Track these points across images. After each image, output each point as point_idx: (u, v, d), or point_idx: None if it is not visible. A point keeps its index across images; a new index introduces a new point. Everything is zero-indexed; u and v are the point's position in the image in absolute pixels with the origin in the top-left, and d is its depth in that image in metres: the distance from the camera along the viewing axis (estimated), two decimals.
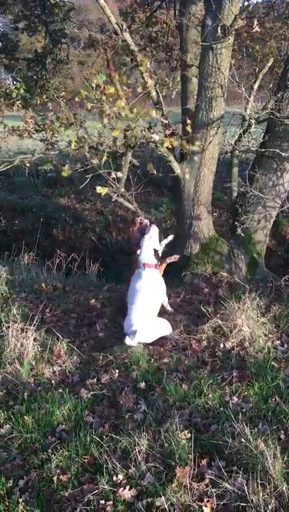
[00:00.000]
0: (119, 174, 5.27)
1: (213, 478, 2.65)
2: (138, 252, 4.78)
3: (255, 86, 6.02)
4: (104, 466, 2.81)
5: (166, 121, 5.64)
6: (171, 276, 6.10)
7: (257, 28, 4.81)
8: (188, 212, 6.14)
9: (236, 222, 6.20)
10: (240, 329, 4.24)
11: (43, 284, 6.00)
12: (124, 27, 5.40)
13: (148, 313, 4.38)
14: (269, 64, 6.00)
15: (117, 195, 5.29)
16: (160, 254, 5.00)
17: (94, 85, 5.16)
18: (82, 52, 18.98)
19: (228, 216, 7.47)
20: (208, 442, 2.94)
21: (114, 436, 3.03)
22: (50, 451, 3.00)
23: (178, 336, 4.36)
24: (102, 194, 5.09)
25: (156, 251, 4.81)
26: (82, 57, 18.41)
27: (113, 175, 5.22)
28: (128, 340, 4.05)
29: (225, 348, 4.11)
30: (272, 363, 3.82)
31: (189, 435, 2.95)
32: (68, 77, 17.34)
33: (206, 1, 5.41)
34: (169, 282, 5.70)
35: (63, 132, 6.54)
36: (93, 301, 5.29)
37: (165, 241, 5.19)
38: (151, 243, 4.82)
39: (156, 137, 5.10)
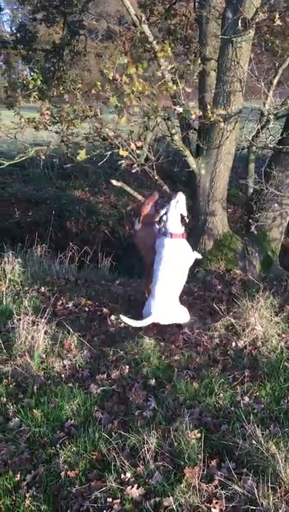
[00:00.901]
0: (138, 152, 5.17)
1: (222, 479, 2.60)
2: (164, 218, 4.39)
3: (275, 81, 5.92)
4: (113, 463, 2.78)
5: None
6: None
7: (279, 22, 4.69)
8: (203, 208, 6.07)
9: (251, 220, 6.13)
10: (253, 328, 4.18)
11: (55, 277, 6.00)
12: (143, 19, 5.32)
13: (172, 289, 4.31)
14: None
15: (138, 165, 5.16)
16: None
17: (110, 77, 5.12)
18: (99, 45, 18.92)
19: (243, 213, 7.38)
20: (219, 443, 2.89)
21: (123, 433, 2.99)
22: (58, 446, 2.97)
23: (190, 332, 4.31)
24: (122, 166, 5.00)
25: (183, 217, 4.36)
26: (100, 50, 18.34)
27: (132, 145, 5.10)
28: (124, 318, 4.09)
29: (237, 347, 4.06)
30: (286, 363, 3.76)
31: (199, 435, 2.90)
32: (85, 69, 17.26)
33: None
34: None
35: (79, 124, 6.49)
36: (106, 295, 5.27)
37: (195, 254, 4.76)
38: (178, 210, 4.34)
39: (179, 109, 4.97)
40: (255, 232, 6.01)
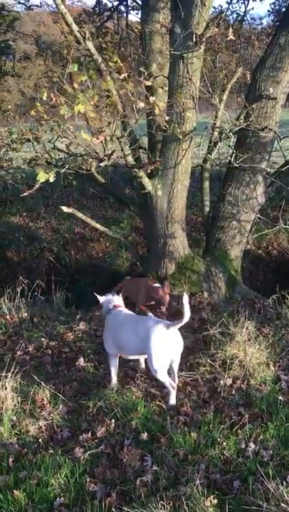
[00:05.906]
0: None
1: None
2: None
3: (224, 97, 5.81)
4: None
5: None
6: None
7: (232, 37, 4.53)
8: (162, 231, 5.77)
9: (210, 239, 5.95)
10: (240, 360, 3.89)
11: (8, 316, 5.42)
12: (87, 35, 5.02)
13: None
14: (238, 74, 5.80)
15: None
16: None
17: (44, 97, 4.81)
18: (17, 65, 18.52)
19: (203, 233, 7.19)
20: (238, 507, 2.53)
21: (126, 509, 2.55)
22: None
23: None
24: None
25: None
26: (18, 70, 17.91)
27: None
28: None
29: (225, 383, 3.74)
30: (280, 397, 3.49)
31: (216, 501, 2.52)
32: (4, 89, 16.68)
33: (174, 8, 5.10)
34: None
35: (19, 148, 6.04)
36: (68, 334, 4.80)
37: None
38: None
39: (141, 104, 4.62)
40: (217, 251, 5.81)
